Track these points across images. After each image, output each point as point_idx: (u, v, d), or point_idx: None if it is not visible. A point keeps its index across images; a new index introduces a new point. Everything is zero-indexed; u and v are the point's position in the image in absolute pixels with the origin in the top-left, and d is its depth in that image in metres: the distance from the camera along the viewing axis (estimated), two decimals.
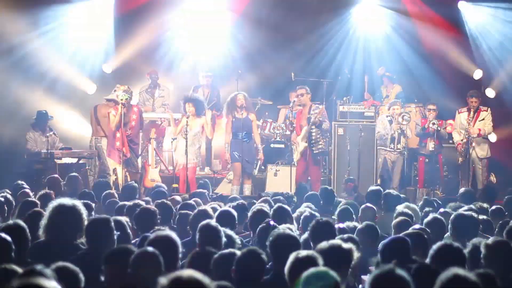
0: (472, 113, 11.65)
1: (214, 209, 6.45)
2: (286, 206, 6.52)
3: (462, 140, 11.65)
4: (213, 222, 5.36)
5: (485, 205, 7.59)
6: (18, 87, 13.31)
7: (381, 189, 8.54)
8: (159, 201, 7.05)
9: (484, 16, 13.65)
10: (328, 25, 14.26)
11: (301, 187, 9.51)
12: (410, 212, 6.75)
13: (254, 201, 8.06)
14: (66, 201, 5.11)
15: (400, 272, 3.36)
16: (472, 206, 7.33)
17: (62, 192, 8.95)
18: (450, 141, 12.26)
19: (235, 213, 6.09)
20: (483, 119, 11.66)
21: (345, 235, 5.18)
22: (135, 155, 11.50)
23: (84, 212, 5.07)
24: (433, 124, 11.29)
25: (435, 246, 4.55)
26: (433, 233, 5.76)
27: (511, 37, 13.32)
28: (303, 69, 13.86)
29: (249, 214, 6.25)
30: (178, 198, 8.23)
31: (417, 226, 5.96)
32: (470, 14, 13.77)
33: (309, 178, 11.17)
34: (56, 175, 10.21)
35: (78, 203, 5.12)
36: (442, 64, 13.88)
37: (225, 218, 5.88)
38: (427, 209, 7.23)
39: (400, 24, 14.03)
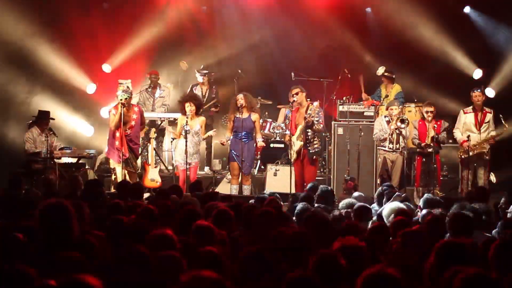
0: (479, 116, 11.60)
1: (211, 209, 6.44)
2: None
3: (468, 137, 11.54)
4: (205, 222, 5.34)
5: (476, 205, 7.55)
6: (19, 87, 13.35)
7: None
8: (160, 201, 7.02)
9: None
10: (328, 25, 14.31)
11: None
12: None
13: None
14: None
15: (391, 271, 3.36)
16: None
17: (56, 192, 8.94)
18: (450, 141, 12.26)
19: (231, 213, 6.09)
20: (489, 121, 11.64)
21: None
22: (134, 155, 11.49)
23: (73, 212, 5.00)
24: (430, 147, 11.31)
25: (438, 244, 4.53)
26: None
27: None
28: (303, 68, 13.87)
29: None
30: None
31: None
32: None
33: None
34: (50, 175, 10.21)
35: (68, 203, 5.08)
36: (442, 63, 13.91)
37: (221, 218, 5.87)
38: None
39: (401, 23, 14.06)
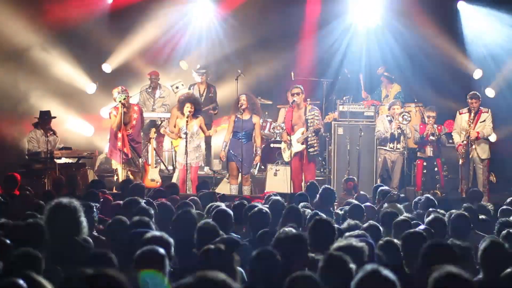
0: (473, 114, 11.61)
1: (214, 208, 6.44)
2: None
3: (462, 141, 11.61)
4: (211, 221, 5.35)
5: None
6: (19, 87, 13.35)
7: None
8: (159, 201, 7.03)
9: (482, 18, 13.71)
10: (328, 24, 14.31)
11: (313, 186, 9.45)
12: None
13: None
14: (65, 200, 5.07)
15: (386, 272, 3.36)
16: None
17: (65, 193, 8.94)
18: (450, 141, 12.25)
19: (231, 212, 6.09)
20: (484, 120, 11.63)
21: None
22: (137, 154, 11.48)
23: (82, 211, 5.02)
24: (433, 135, 11.28)
25: (425, 244, 4.57)
26: (436, 232, 5.78)
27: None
28: (303, 68, 13.87)
29: (249, 214, 6.22)
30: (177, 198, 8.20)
31: (422, 226, 5.97)
32: (468, 14, 13.86)
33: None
34: (60, 175, 10.22)
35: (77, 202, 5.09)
36: (442, 63, 13.91)
37: (221, 218, 5.87)
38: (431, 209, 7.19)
39: (399, 22, 14.06)
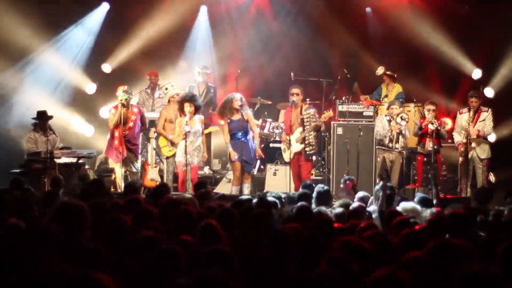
0: (472, 113, 11.64)
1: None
2: None
3: (462, 140, 11.65)
4: (213, 221, 5.36)
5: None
6: (19, 87, 13.37)
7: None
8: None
9: None
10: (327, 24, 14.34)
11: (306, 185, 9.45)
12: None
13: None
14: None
15: (402, 274, 3.37)
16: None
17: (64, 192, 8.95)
18: (450, 141, 12.27)
19: (234, 212, 6.10)
20: (484, 119, 11.66)
21: None
22: (133, 155, 11.48)
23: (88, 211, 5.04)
24: (432, 124, 11.29)
25: (432, 243, 4.58)
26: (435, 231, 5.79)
27: None
28: (303, 68, 13.89)
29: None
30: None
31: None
32: None
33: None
34: (59, 174, 10.24)
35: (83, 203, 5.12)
36: (442, 63, 13.94)
37: (225, 217, 5.88)
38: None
39: (399, 22, 14.10)
